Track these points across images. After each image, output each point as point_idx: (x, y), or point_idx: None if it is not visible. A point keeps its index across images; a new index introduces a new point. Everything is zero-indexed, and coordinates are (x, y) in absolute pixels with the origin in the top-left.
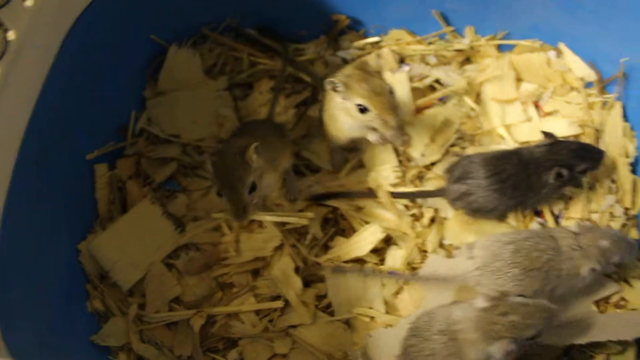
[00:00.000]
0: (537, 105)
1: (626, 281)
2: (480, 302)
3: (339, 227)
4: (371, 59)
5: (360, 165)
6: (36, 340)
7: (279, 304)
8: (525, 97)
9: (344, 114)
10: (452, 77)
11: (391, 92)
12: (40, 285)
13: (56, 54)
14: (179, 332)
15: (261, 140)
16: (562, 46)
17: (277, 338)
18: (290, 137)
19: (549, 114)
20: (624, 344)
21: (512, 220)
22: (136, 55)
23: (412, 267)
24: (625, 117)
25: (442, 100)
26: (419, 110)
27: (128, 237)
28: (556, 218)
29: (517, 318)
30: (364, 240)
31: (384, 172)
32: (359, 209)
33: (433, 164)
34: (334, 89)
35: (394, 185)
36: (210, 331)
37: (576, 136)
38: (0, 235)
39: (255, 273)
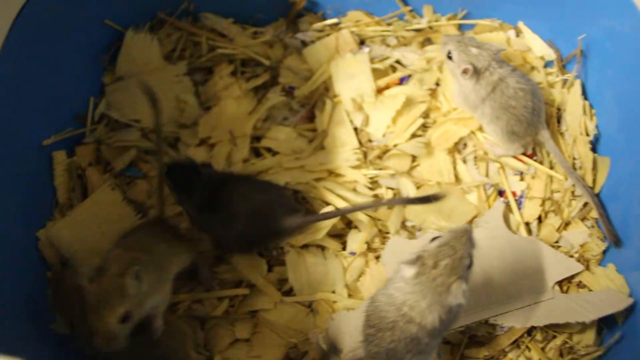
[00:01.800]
0: None
1: (586, 265)
2: (407, 272)
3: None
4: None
5: (321, 147)
6: None
7: (244, 291)
8: None
9: None
10: (412, 58)
11: None
12: None
13: (5, 37)
14: None
15: (148, 252)
16: (521, 25)
17: (238, 322)
18: (187, 235)
19: None
20: (584, 323)
21: (474, 199)
22: (93, 41)
23: (372, 250)
24: (585, 96)
25: (403, 81)
26: (380, 90)
27: (88, 224)
28: (519, 198)
29: (447, 260)
30: (321, 224)
31: (344, 154)
32: (321, 189)
33: (395, 145)
34: None
35: (355, 167)
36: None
37: None
38: None
39: (218, 258)
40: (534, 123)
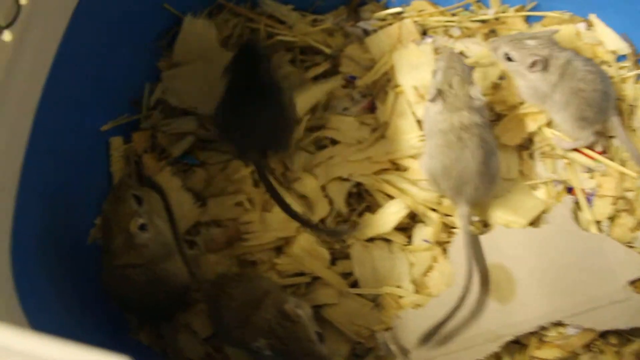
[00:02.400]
0: None
1: None
2: (436, 106)
3: (364, 202)
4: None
5: (382, 136)
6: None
7: (305, 279)
8: None
9: None
10: (476, 50)
11: None
12: (59, 263)
13: (68, 22)
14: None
15: None
16: (593, 17)
17: None
18: None
19: None
20: None
21: (541, 195)
22: (150, 26)
23: (439, 243)
24: None
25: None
26: None
27: None
28: (588, 196)
29: (456, 77)
30: (388, 217)
31: (410, 142)
32: (384, 182)
33: None
34: None
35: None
36: None
37: None
38: (15, 210)
39: (278, 250)
40: (604, 108)
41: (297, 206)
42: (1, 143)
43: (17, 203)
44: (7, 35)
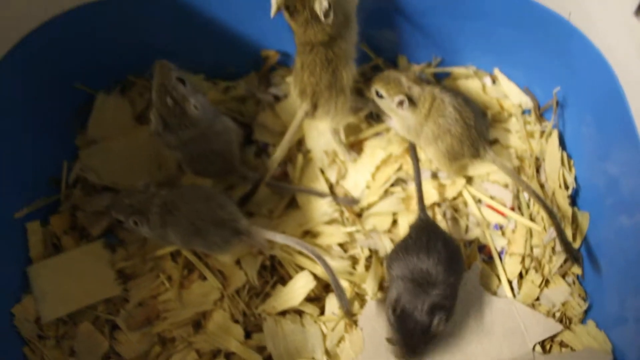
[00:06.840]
0: None
1: (568, 322)
2: None
3: (278, 274)
4: None
5: (294, 205)
6: None
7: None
8: None
9: None
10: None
11: None
12: None
13: None
14: None
15: None
16: (497, 72)
17: None
18: None
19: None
20: None
21: None
22: (65, 104)
23: (351, 315)
24: (564, 146)
25: (380, 135)
26: (353, 145)
27: (68, 272)
28: (499, 253)
29: None
30: (297, 290)
31: (322, 208)
32: (296, 253)
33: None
34: None
35: (332, 221)
36: None
37: (517, 168)
38: None
39: (197, 325)
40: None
41: (214, 280)
42: None
43: None
44: None
